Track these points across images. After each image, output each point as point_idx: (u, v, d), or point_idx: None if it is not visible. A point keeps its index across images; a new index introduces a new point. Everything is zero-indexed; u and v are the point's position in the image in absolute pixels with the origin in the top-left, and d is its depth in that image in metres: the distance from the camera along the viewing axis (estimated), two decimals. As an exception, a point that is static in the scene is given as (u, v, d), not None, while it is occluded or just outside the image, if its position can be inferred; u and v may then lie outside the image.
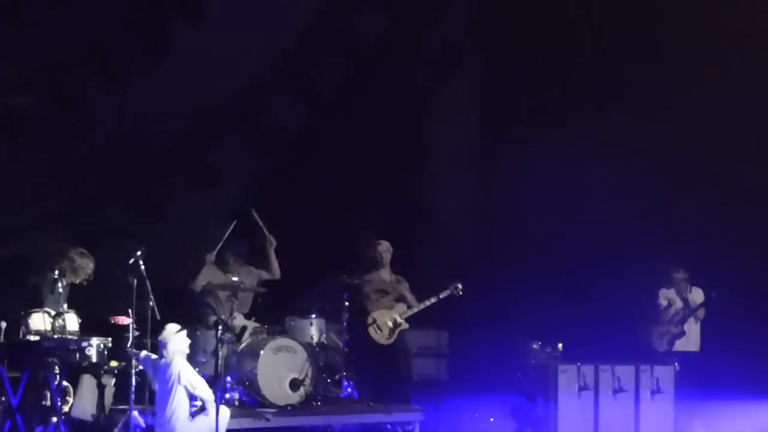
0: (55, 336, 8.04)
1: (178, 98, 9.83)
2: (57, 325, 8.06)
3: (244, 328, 9.26)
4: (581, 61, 10.50)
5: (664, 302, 9.64)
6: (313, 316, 9.41)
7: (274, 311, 9.44)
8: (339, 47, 10.51)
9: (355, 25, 10.59)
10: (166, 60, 9.67)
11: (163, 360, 7.82)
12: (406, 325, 9.47)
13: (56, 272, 8.25)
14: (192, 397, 7.90)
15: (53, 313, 8.12)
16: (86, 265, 8.38)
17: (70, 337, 8.07)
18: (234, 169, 10.29)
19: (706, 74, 9.91)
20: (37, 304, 8.19)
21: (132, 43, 9.73)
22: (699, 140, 9.77)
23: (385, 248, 9.35)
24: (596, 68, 10.39)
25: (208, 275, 9.22)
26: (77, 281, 8.35)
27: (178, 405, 7.74)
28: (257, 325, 9.37)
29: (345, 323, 9.62)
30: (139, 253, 8.00)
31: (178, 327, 8.06)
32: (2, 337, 7.96)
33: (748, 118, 9.79)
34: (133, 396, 8.00)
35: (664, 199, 9.95)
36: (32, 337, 7.99)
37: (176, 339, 7.94)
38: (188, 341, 8.05)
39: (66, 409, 8.31)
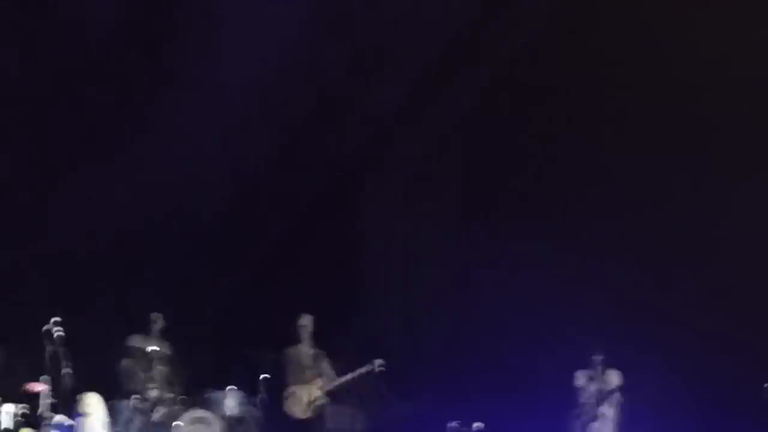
0: None
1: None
2: None
3: (159, 399, 9.06)
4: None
5: (579, 384, 9.49)
6: (230, 388, 9.25)
7: (190, 383, 9.29)
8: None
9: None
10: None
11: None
12: (323, 400, 9.25)
13: None
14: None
15: None
16: None
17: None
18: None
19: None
20: None
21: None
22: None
23: (305, 322, 9.23)
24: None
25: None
26: None
27: None
28: (173, 395, 9.14)
29: (262, 396, 9.36)
30: (54, 320, 7.79)
31: (97, 397, 8.06)
32: None
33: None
34: None
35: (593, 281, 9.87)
36: None
37: (95, 409, 7.98)
38: (105, 411, 8.04)
39: None
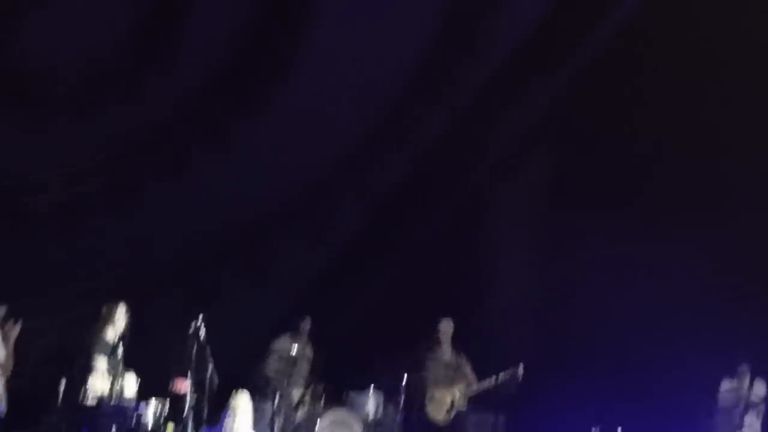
0: (113, 401, 8.15)
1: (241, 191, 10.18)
2: (115, 388, 8.18)
3: (301, 400, 9.34)
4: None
5: (725, 391, 9.53)
6: (371, 390, 9.51)
7: (332, 384, 9.47)
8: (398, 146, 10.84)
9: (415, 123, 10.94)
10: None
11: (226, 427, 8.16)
12: (463, 405, 9.41)
13: (111, 333, 8.34)
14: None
15: (110, 375, 8.22)
16: (122, 317, 8.44)
17: (127, 401, 8.20)
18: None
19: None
20: (95, 366, 8.25)
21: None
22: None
23: (446, 326, 9.38)
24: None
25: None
26: (119, 336, 8.42)
27: None
28: (315, 396, 9.38)
29: (402, 399, 9.59)
30: (200, 318, 8.10)
31: (247, 396, 8.32)
32: (60, 398, 8.06)
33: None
34: None
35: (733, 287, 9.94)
36: (90, 402, 8.07)
37: (243, 408, 8.24)
38: (252, 411, 8.31)
39: None
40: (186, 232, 10.18)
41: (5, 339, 8.21)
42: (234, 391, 8.57)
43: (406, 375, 9.59)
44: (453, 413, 9.51)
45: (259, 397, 9.00)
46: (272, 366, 9.36)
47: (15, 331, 8.23)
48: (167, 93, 9.43)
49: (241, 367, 9.18)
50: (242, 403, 8.39)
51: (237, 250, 10.40)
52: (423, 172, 11.18)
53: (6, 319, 8.20)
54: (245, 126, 9.96)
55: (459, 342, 9.76)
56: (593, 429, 9.47)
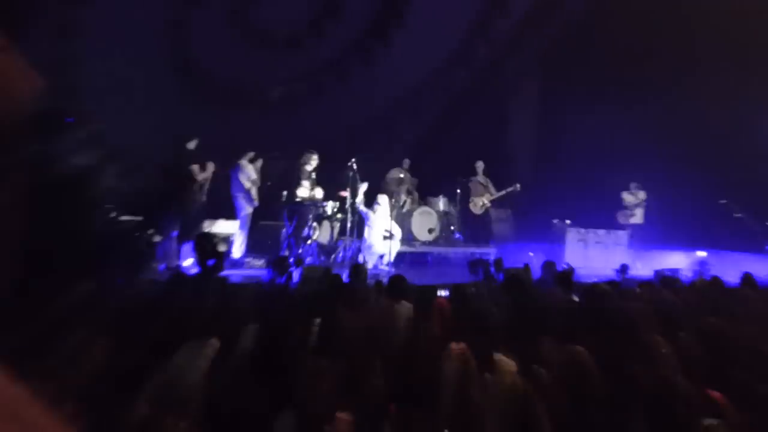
0: (309, 200, 11.32)
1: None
2: (311, 194, 11.44)
3: (405, 201, 13.80)
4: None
5: (627, 198, 13.91)
6: (441, 196, 13.96)
7: (421, 192, 14.15)
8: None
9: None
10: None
11: (372, 213, 11.18)
12: (489, 205, 13.97)
13: (309, 168, 11.26)
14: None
15: (309, 188, 11.36)
16: (313, 160, 11.33)
17: (318, 201, 11.49)
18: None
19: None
20: (301, 184, 11.28)
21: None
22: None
23: (479, 164, 14.14)
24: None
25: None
26: (313, 169, 11.35)
27: (376, 235, 11.13)
28: (412, 199, 13.76)
29: (458, 201, 14.11)
30: (353, 161, 11.24)
31: (386, 198, 11.43)
32: (284, 199, 11.26)
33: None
34: (348, 232, 11.39)
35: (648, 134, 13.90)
36: (298, 199, 11.23)
37: (383, 205, 11.32)
38: (387, 206, 11.39)
39: (315, 238, 11.56)
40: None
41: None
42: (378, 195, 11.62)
43: (459, 189, 14.09)
44: (484, 209, 13.98)
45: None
46: (390, 184, 13.80)
47: (258, 162, 11.37)
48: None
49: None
50: (383, 202, 11.45)
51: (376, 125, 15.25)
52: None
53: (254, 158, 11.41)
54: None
55: (487, 171, 14.28)
56: (554, 221, 14.21)
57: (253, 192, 11.45)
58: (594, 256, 13.30)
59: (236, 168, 11.45)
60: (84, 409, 3.26)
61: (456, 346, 4.54)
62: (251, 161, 11.59)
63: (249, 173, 11.42)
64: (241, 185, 11.35)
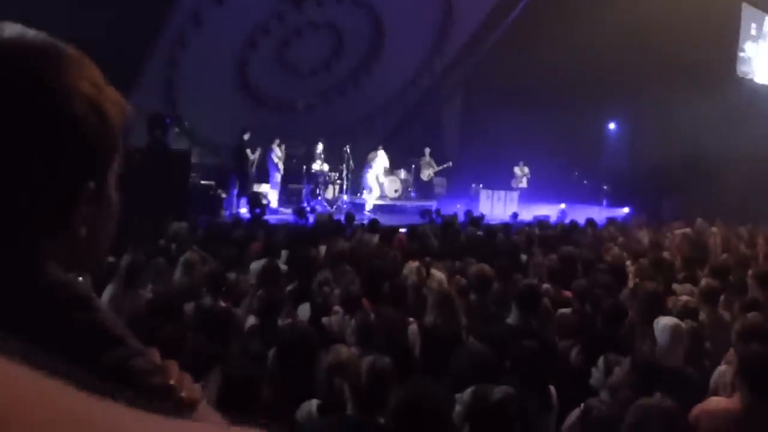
0: (319, 172, 17.61)
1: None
2: (320, 168, 17.75)
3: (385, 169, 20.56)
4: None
5: (517, 171, 21.36)
6: (403, 169, 20.78)
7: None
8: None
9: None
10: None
11: (373, 162, 18.38)
12: (433, 175, 21.09)
13: (317, 148, 19.05)
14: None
15: (320, 164, 18.72)
16: (321, 145, 18.57)
17: (325, 172, 17.93)
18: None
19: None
20: (314, 161, 18.16)
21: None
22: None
23: (427, 150, 21.19)
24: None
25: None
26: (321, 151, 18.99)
27: (373, 177, 18.41)
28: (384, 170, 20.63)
29: (414, 172, 21.16)
30: (348, 148, 19.18)
31: (383, 152, 18.92)
32: (303, 171, 18.28)
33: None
34: (345, 188, 18.15)
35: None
36: (313, 171, 17.65)
37: (379, 154, 18.60)
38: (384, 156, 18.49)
39: (323, 195, 17.48)
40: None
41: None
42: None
43: (413, 165, 21.09)
44: (429, 178, 21.02)
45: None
46: (371, 160, 21.86)
47: (283, 146, 21.26)
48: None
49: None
50: (380, 153, 18.48)
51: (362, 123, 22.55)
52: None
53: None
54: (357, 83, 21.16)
55: (432, 154, 21.37)
56: (472, 185, 22.76)
57: (280, 165, 17.06)
58: (497, 208, 20.15)
59: (270, 150, 17.06)
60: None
61: (411, 263, 6.44)
62: (278, 145, 17.21)
63: (278, 152, 17.39)
64: (273, 161, 17.12)
